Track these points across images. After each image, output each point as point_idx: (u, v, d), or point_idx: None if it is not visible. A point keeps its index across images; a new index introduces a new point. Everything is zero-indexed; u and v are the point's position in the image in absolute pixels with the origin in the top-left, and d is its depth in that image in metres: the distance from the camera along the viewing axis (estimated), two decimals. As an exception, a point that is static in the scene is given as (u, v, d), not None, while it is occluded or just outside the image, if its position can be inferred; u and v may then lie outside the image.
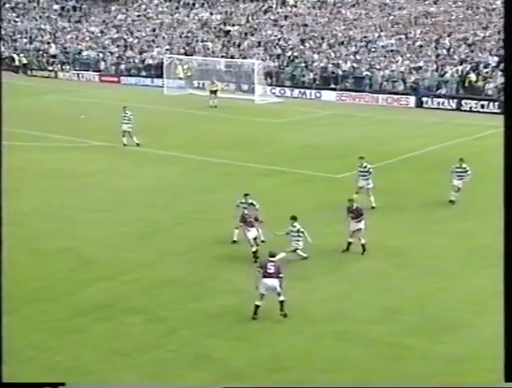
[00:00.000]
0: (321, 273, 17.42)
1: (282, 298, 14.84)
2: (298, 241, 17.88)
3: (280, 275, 14.85)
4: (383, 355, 13.53)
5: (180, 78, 51.21)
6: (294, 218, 17.94)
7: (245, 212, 18.89)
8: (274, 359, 13.44)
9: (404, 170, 27.42)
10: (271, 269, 14.86)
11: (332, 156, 29.66)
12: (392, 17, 53.02)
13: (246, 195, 19.59)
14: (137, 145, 31.41)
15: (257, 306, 14.88)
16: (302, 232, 17.81)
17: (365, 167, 22.65)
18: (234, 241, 19.16)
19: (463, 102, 41.51)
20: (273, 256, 15.23)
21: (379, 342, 14.01)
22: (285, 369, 13.08)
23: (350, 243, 18.63)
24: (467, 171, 22.54)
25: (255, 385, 11.76)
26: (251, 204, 19.41)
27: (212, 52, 54.86)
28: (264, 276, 14.83)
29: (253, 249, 18.24)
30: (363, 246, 18.44)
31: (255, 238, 18.47)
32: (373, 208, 22.19)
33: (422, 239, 19.22)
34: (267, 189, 23.81)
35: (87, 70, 58.43)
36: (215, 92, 43.56)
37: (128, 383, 12.60)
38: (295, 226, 17.84)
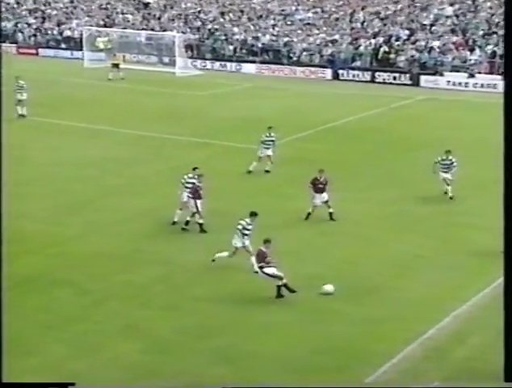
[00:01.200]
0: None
1: (278, 283, 14.33)
2: (247, 239, 15.76)
3: (261, 265, 14.35)
4: (310, 319, 13.75)
5: (100, 51, 49.91)
6: (254, 214, 15.75)
7: (197, 184, 18.04)
8: (202, 327, 13.46)
9: (323, 140, 27.66)
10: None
11: (255, 128, 29.59)
12: (308, -9, 53.07)
13: (195, 168, 18.59)
14: (23, 116, 30.34)
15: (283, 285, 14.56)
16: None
17: (272, 137, 23.05)
18: (174, 222, 18.38)
19: (376, 74, 42.07)
20: (266, 242, 14.61)
21: (306, 307, 14.20)
22: (213, 335, 13.14)
23: (309, 214, 18.72)
24: (453, 163, 20.46)
25: (257, 385, 11.72)
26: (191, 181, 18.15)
27: (132, 24, 53.68)
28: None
29: (201, 221, 17.96)
30: (331, 214, 18.64)
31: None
32: (267, 171, 23.08)
33: (344, 207, 19.42)
34: (196, 161, 23.50)
35: (4, 42, 56.04)
36: (117, 65, 42.83)
37: (59, 355, 12.39)
38: (249, 224, 15.70)
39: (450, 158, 20.48)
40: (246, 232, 15.63)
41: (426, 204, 20.18)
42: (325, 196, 18.62)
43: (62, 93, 36.26)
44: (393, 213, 19.48)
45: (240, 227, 15.64)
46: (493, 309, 14.06)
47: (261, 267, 14.50)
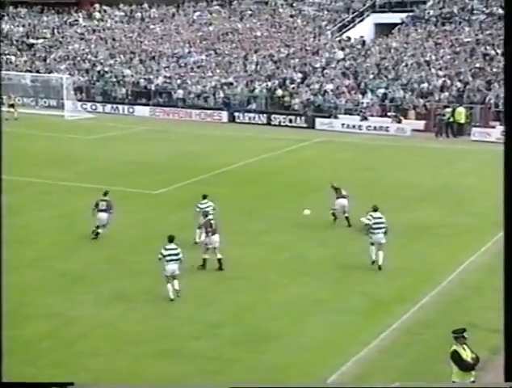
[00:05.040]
0: (141, 292, 17.22)
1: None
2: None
3: None
4: (205, 370, 13.56)
5: (-18, 93, 48.58)
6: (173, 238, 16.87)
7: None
8: (92, 383, 13.02)
9: (219, 184, 27.76)
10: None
11: (149, 172, 29.52)
12: (200, 33, 53.91)
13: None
14: None
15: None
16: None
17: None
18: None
19: (272, 117, 42.96)
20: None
21: (202, 357, 14.02)
22: (105, 391, 12.79)
23: (205, 260, 18.43)
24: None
25: (257, 385, 11.39)
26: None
27: (16, 65, 52.70)
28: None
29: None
30: (219, 260, 18.33)
31: None
32: None
33: (240, 252, 19.52)
34: (83, 208, 23.14)
35: None
36: (12, 106, 42.44)
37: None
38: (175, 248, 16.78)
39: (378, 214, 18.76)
40: (180, 256, 16.54)
41: (321, 246, 20.52)
42: (215, 238, 18.61)
43: None
44: (289, 257, 19.68)
45: (172, 253, 16.46)
46: (393, 351, 14.45)
47: None
